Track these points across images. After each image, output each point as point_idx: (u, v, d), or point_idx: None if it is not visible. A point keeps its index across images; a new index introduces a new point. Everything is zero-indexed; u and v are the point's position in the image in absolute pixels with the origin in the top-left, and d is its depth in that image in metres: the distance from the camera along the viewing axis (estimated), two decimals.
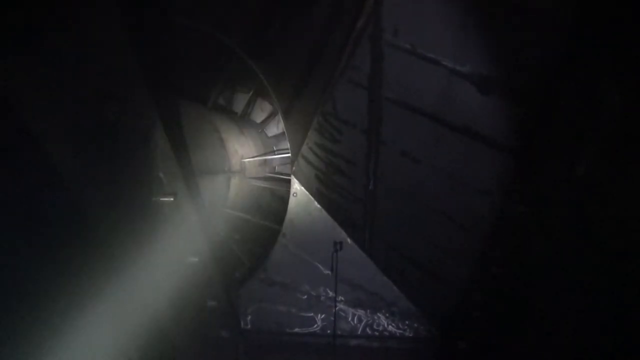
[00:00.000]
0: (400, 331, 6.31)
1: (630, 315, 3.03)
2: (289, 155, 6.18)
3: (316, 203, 6.06)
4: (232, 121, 7.17)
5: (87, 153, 2.96)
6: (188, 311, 4.47)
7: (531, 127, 3.82)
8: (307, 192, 6.05)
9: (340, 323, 6.34)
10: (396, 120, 4.47)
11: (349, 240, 6.07)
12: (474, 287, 5.07)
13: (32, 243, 2.73)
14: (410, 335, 6.30)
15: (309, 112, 5.23)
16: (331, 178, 5.66)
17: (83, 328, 2.95)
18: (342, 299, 6.28)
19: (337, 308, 6.25)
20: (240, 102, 7.96)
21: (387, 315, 6.28)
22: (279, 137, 8.01)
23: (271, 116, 8.05)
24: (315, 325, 6.43)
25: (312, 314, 6.42)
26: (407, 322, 6.27)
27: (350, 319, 6.37)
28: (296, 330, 6.46)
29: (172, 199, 3.96)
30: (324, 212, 6.08)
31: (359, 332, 6.38)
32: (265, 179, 7.32)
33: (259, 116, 8.17)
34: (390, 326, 6.31)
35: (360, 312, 6.34)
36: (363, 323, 6.37)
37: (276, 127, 8.06)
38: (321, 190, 5.93)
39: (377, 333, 6.36)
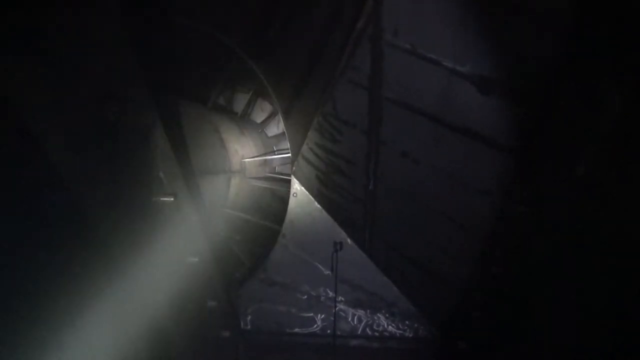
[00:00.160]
0: (400, 331, 6.31)
1: (630, 315, 3.03)
2: (289, 155, 6.18)
3: (316, 203, 6.06)
4: (232, 121, 7.16)
5: (87, 153, 2.96)
6: (188, 311, 4.46)
7: (531, 127, 3.82)
8: (307, 192, 6.05)
9: (340, 323, 6.34)
10: (396, 120, 4.47)
11: (349, 240, 6.07)
12: (474, 287, 5.07)
13: (32, 243, 2.73)
14: (410, 335, 6.30)
15: (309, 112, 5.23)
16: (331, 178, 5.66)
17: (83, 328, 2.95)
18: (342, 299, 6.28)
19: (337, 308, 6.25)
20: (240, 102, 7.96)
21: (387, 315, 6.28)
22: (279, 137, 8.01)
23: (271, 116, 8.05)
24: (315, 326, 6.43)
25: (312, 314, 6.42)
26: (407, 323, 6.27)
27: (350, 319, 6.37)
28: (296, 330, 6.46)
29: (172, 199, 3.96)
30: (324, 213, 6.08)
31: (359, 333, 6.38)
32: (266, 179, 7.31)
33: (259, 116, 8.17)
34: (390, 326, 6.31)
35: (360, 312, 6.34)
36: (363, 323, 6.37)
37: (276, 127, 8.05)
38: (321, 191, 5.93)
39: (377, 333, 6.36)
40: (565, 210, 3.67)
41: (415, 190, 4.93)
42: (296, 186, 6.05)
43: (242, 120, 7.72)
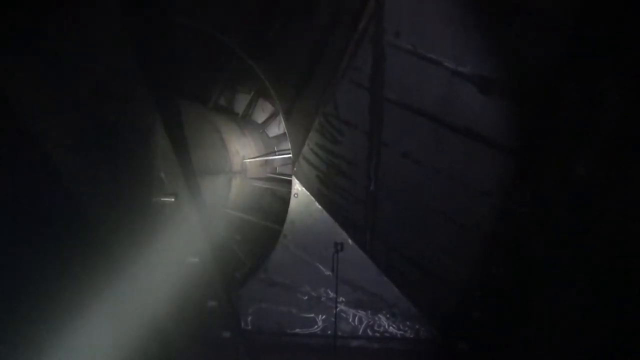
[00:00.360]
0: (401, 332, 6.31)
1: (630, 315, 3.03)
2: (290, 155, 6.18)
3: (317, 204, 6.07)
4: (233, 122, 7.17)
5: (88, 153, 2.96)
6: (188, 311, 4.47)
7: (532, 128, 3.81)
8: (308, 193, 6.06)
9: (341, 324, 6.34)
10: (397, 121, 4.47)
11: (349, 241, 6.08)
12: (474, 287, 5.07)
13: (32, 243, 2.73)
14: (411, 336, 6.30)
15: (310, 112, 5.23)
16: (332, 179, 5.66)
17: (83, 328, 2.95)
18: (343, 299, 6.28)
19: (337, 309, 6.25)
20: (241, 102, 7.97)
21: (388, 316, 6.28)
22: (280, 137, 8.01)
23: (272, 117, 8.05)
24: (316, 326, 6.43)
25: (312, 315, 6.42)
26: (407, 323, 6.27)
27: (351, 319, 6.37)
28: (297, 331, 6.46)
29: (172, 200, 3.96)
30: (324, 213, 6.09)
31: (359, 333, 6.38)
32: (267, 179, 7.32)
33: (260, 117, 8.18)
34: (391, 327, 6.31)
35: (361, 313, 6.34)
36: (364, 324, 6.37)
37: (277, 128, 8.06)
38: (322, 191, 5.93)
39: (377, 334, 6.36)
40: (566, 210, 3.66)
41: (416, 190, 4.93)
42: (297, 187, 6.06)
43: (243, 121, 7.73)
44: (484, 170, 4.25)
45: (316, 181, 5.85)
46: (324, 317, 6.40)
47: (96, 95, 3.07)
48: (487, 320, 5.03)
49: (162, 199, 3.90)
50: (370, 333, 6.37)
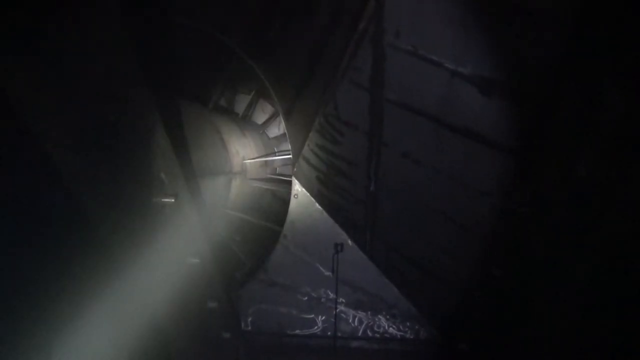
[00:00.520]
0: (401, 333, 6.31)
1: (630, 315, 3.03)
2: (290, 156, 6.19)
3: (317, 204, 6.07)
4: (233, 122, 7.17)
5: (88, 153, 2.96)
6: (188, 312, 4.46)
7: (532, 128, 3.81)
8: (308, 194, 6.06)
9: (340, 325, 6.34)
10: (397, 121, 4.47)
11: (349, 241, 6.08)
12: (474, 288, 5.07)
13: (32, 243, 2.72)
14: (411, 337, 6.30)
15: (310, 113, 5.23)
16: (332, 179, 5.66)
17: (83, 328, 2.95)
18: (343, 300, 6.28)
19: (337, 310, 6.25)
20: (241, 103, 7.98)
21: (388, 317, 6.28)
22: (280, 138, 8.03)
23: (272, 117, 8.07)
24: (316, 327, 6.43)
25: (312, 316, 6.42)
26: (407, 324, 6.27)
27: (351, 320, 6.37)
28: (297, 331, 6.46)
29: (173, 200, 3.96)
30: (324, 214, 6.09)
31: (359, 334, 6.38)
32: (267, 180, 7.32)
33: (260, 117, 8.19)
34: (391, 328, 6.31)
35: (361, 313, 6.34)
36: (364, 325, 6.37)
37: (277, 129, 8.08)
38: (322, 192, 5.93)
39: (377, 335, 6.36)
40: (566, 210, 3.66)
41: (416, 191, 4.93)
42: (297, 187, 6.06)
43: (243, 122, 7.73)
44: (484, 170, 4.25)
45: (316, 182, 5.85)
46: (324, 317, 6.40)
47: (96, 96, 3.07)
48: (487, 321, 5.03)
49: (162, 200, 3.90)
50: (370, 334, 6.37)
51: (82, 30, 2.87)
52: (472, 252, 4.87)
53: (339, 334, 6.30)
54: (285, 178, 7.15)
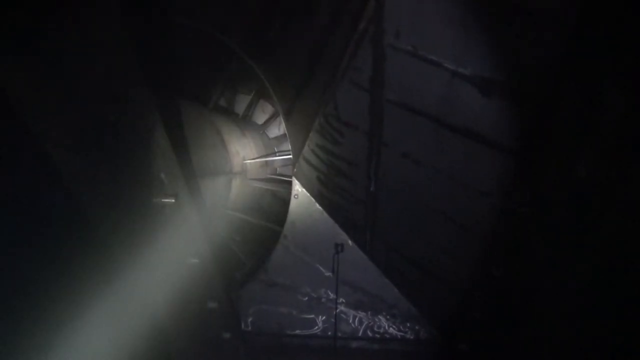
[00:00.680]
0: (401, 333, 6.30)
1: (630, 315, 3.03)
2: (290, 156, 6.19)
3: (317, 205, 6.06)
4: (233, 122, 7.17)
5: (88, 153, 2.96)
6: (188, 312, 4.46)
7: (532, 128, 3.81)
8: (308, 194, 6.05)
9: (341, 325, 6.34)
10: (397, 121, 4.47)
11: (350, 241, 6.07)
12: (475, 288, 5.07)
13: (32, 243, 2.73)
14: (411, 337, 6.29)
15: (311, 113, 5.23)
16: (332, 179, 5.66)
17: (83, 328, 2.95)
18: (343, 300, 6.27)
19: (338, 310, 6.25)
20: (241, 103, 7.98)
21: (388, 317, 6.28)
22: (280, 138, 8.02)
23: (272, 117, 8.06)
24: (316, 327, 6.43)
25: (313, 316, 6.41)
26: (408, 324, 6.27)
27: (351, 320, 6.36)
28: (297, 332, 6.46)
29: (173, 200, 3.95)
30: (325, 214, 6.09)
31: (359, 334, 6.38)
32: (267, 180, 7.32)
33: (260, 117, 8.19)
34: (391, 328, 6.31)
35: (361, 314, 6.33)
36: (364, 325, 6.37)
37: (277, 129, 8.07)
38: (322, 192, 5.93)
39: (378, 335, 6.36)
40: (566, 211, 3.66)
41: (416, 191, 4.93)
42: (297, 187, 6.06)
43: (244, 122, 7.73)
44: (484, 170, 4.25)
45: (316, 182, 5.85)
46: (324, 318, 6.39)
47: (96, 96, 3.07)
48: (487, 321, 5.03)
49: (163, 200, 3.90)
50: (370, 334, 6.37)
51: (82, 30, 2.87)
52: (472, 252, 4.87)
53: (339, 334, 6.30)
54: (285, 178, 7.15)
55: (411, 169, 4.72)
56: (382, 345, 6.36)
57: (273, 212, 7.44)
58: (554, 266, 3.82)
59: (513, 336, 4.55)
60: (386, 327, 6.31)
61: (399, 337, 6.31)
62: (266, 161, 7.53)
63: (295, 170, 5.98)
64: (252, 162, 7.04)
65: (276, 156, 7.74)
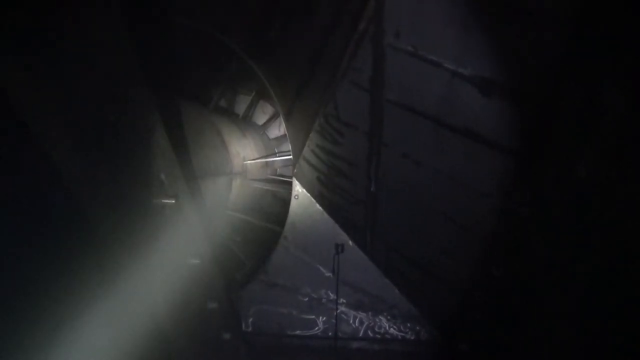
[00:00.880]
0: (402, 334, 6.30)
1: (630, 315, 3.03)
2: (291, 157, 6.19)
3: (317, 205, 6.07)
4: (233, 123, 7.18)
5: (88, 153, 2.96)
6: (189, 313, 4.46)
7: (532, 128, 3.81)
8: (308, 194, 6.06)
9: (341, 325, 6.34)
10: (397, 122, 4.47)
11: (350, 242, 6.08)
12: (475, 288, 5.07)
13: (32, 243, 2.73)
14: (412, 337, 6.29)
15: (311, 114, 5.23)
16: (333, 180, 5.66)
17: (83, 328, 2.95)
18: (344, 301, 6.28)
19: (338, 310, 6.25)
20: (241, 104, 7.99)
21: (389, 317, 6.28)
22: (280, 139, 8.03)
23: (273, 118, 8.07)
24: (317, 328, 6.43)
25: (313, 316, 6.42)
26: (408, 325, 6.27)
27: (351, 321, 6.37)
28: (297, 332, 6.46)
29: (173, 201, 3.95)
30: (325, 214, 6.09)
31: (360, 335, 6.38)
32: (267, 181, 7.32)
33: (260, 118, 8.19)
34: (391, 329, 6.31)
35: (362, 314, 6.34)
36: (364, 325, 6.37)
37: (278, 129, 8.08)
38: (322, 192, 5.93)
39: (378, 335, 6.36)
40: (566, 211, 3.66)
41: (417, 191, 4.93)
42: (297, 188, 6.06)
43: (244, 122, 7.74)
44: (484, 170, 4.25)
45: (316, 182, 5.86)
46: (324, 318, 6.40)
47: (96, 96, 3.07)
48: (488, 321, 5.03)
49: (163, 200, 3.90)
50: (371, 334, 6.37)
51: (82, 30, 2.87)
52: (472, 253, 4.87)
53: (340, 335, 6.30)
54: (285, 179, 7.16)
55: (411, 169, 4.72)
56: (382, 346, 6.36)
57: (273, 212, 7.45)
58: (554, 266, 3.81)
59: (513, 336, 4.54)
60: (387, 328, 6.31)
61: (400, 337, 6.31)
62: (266, 162, 7.54)
63: (295, 170, 5.98)
64: (252, 163, 7.04)
65: (276, 157, 7.74)
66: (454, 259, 5.09)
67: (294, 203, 6.11)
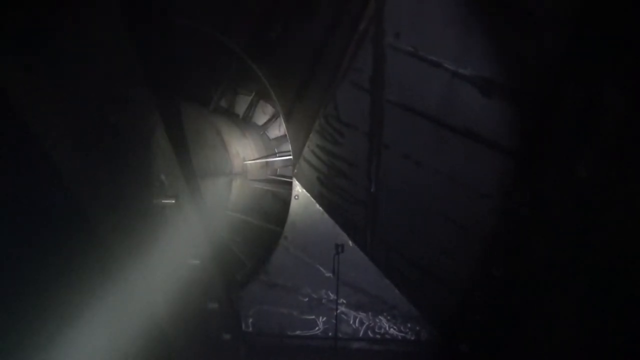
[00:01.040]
0: (402, 334, 6.30)
1: (630, 315, 3.02)
2: (291, 157, 6.19)
3: (318, 205, 6.07)
4: (234, 123, 7.18)
5: (88, 153, 2.96)
6: (189, 313, 4.46)
7: (532, 128, 3.81)
8: (308, 195, 6.06)
9: (341, 326, 6.34)
10: (398, 122, 4.47)
11: (350, 242, 6.08)
12: (475, 289, 5.06)
13: (32, 243, 2.73)
14: (412, 338, 6.29)
15: (311, 114, 5.23)
16: (333, 180, 5.66)
17: (83, 329, 2.95)
18: (344, 301, 6.28)
19: (338, 311, 6.25)
20: (242, 104, 7.99)
21: (389, 318, 6.28)
22: (280, 139, 8.03)
23: (273, 118, 8.07)
24: (317, 328, 6.43)
25: (313, 317, 6.42)
26: (408, 325, 6.27)
27: (351, 321, 6.37)
28: (297, 332, 6.46)
29: (173, 201, 3.95)
30: (325, 215, 6.09)
31: (360, 335, 6.38)
32: (267, 181, 7.33)
33: (260, 118, 8.20)
34: (391, 329, 6.31)
35: (362, 314, 6.33)
36: (365, 326, 6.37)
37: (278, 130, 8.09)
38: (323, 193, 5.93)
39: (378, 336, 6.36)
40: (567, 211, 3.66)
41: (417, 192, 4.93)
42: (297, 188, 6.06)
43: (244, 123, 7.74)
44: (485, 171, 4.25)
45: (317, 183, 5.86)
46: (324, 319, 6.39)
47: (97, 96, 3.07)
48: (488, 321, 5.02)
49: (163, 201, 3.89)
50: (371, 335, 6.37)
51: (82, 30, 2.87)
52: (472, 253, 4.86)
53: (340, 335, 6.30)
54: (285, 179, 7.16)
55: (411, 170, 4.72)
56: (382, 346, 6.36)
57: (273, 213, 7.45)
58: (554, 266, 3.81)
59: (513, 336, 4.54)
60: (387, 328, 6.31)
61: (400, 337, 6.31)
62: (266, 162, 7.54)
63: (295, 171, 5.98)
64: (252, 163, 7.04)
65: (276, 157, 7.74)
66: (454, 259, 5.08)
67: (294, 203, 6.12)
